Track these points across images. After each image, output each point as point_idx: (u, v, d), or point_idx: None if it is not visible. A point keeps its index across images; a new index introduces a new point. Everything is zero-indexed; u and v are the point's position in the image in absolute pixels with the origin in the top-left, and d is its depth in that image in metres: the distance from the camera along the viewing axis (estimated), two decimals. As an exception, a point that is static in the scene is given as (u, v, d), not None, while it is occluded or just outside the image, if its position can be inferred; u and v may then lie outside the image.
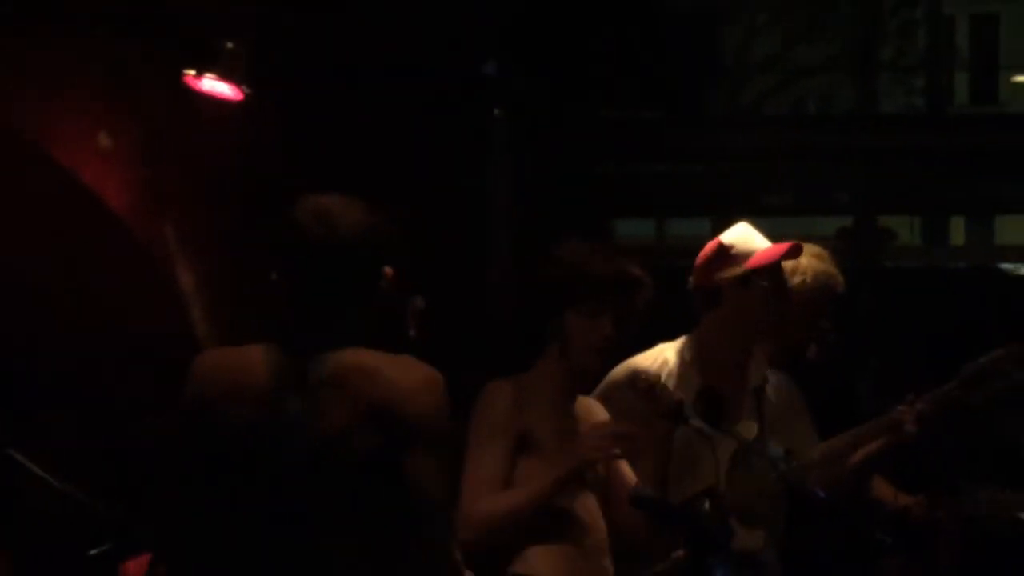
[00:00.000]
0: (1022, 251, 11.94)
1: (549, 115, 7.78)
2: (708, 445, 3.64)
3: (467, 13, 6.49)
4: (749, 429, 3.85)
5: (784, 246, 3.91)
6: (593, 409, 3.66)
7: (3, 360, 4.91)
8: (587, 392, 3.72)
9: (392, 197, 2.91)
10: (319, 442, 2.62)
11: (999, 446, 5.61)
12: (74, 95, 5.01)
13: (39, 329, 5.04)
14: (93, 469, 4.43)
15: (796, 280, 4.12)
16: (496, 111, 7.18)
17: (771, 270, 3.88)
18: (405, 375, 2.66)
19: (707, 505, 3.36)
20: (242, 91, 4.99)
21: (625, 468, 3.62)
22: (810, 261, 4.19)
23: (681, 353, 3.91)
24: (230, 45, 4.95)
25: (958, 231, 15.20)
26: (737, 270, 3.84)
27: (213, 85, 4.99)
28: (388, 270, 2.76)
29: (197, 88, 4.99)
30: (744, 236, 3.89)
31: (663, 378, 3.76)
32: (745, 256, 3.85)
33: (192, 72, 4.95)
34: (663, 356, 3.91)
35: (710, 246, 3.90)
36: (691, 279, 3.92)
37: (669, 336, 3.99)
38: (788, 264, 4.03)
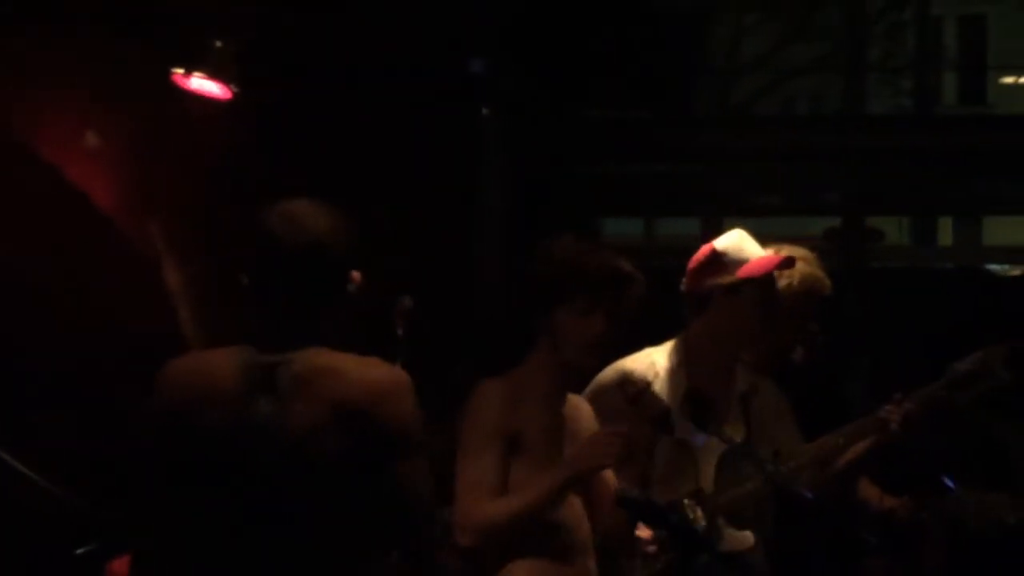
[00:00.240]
0: (1010, 252, 11.94)
1: (538, 114, 7.78)
2: (692, 454, 3.64)
3: (458, 14, 6.49)
4: (736, 432, 3.84)
5: (777, 258, 3.90)
6: (582, 408, 3.65)
7: (2, 360, 4.90)
8: (577, 390, 3.71)
9: (383, 196, 2.92)
10: (290, 443, 2.63)
11: (985, 447, 5.62)
12: (73, 95, 5.00)
13: (38, 329, 5.03)
14: (92, 469, 4.42)
15: (783, 283, 4.11)
16: (484, 111, 7.19)
17: (762, 280, 3.86)
18: (371, 375, 2.68)
19: (693, 505, 3.36)
20: (231, 90, 4.98)
21: (607, 471, 3.61)
22: (797, 264, 4.19)
23: (669, 356, 3.91)
24: (219, 44, 4.94)
25: (946, 232, 15.18)
26: (728, 278, 3.83)
27: (201, 84, 4.99)
28: (355, 274, 2.77)
29: (185, 87, 4.99)
30: (737, 243, 3.88)
31: (653, 382, 3.74)
32: (737, 264, 3.84)
33: (181, 71, 4.94)
34: (652, 360, 3.90)
35: (703, 252, 3.88)
36: (682, 283, 3.91)
37: (658, 335, 3.98)
38: (775, 266, 4.03)
